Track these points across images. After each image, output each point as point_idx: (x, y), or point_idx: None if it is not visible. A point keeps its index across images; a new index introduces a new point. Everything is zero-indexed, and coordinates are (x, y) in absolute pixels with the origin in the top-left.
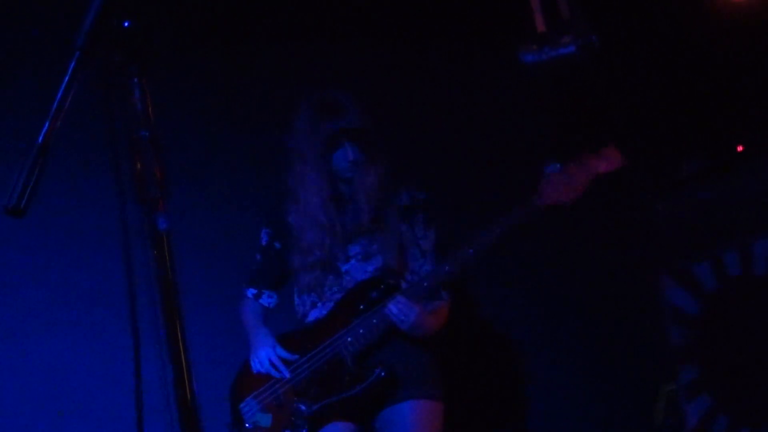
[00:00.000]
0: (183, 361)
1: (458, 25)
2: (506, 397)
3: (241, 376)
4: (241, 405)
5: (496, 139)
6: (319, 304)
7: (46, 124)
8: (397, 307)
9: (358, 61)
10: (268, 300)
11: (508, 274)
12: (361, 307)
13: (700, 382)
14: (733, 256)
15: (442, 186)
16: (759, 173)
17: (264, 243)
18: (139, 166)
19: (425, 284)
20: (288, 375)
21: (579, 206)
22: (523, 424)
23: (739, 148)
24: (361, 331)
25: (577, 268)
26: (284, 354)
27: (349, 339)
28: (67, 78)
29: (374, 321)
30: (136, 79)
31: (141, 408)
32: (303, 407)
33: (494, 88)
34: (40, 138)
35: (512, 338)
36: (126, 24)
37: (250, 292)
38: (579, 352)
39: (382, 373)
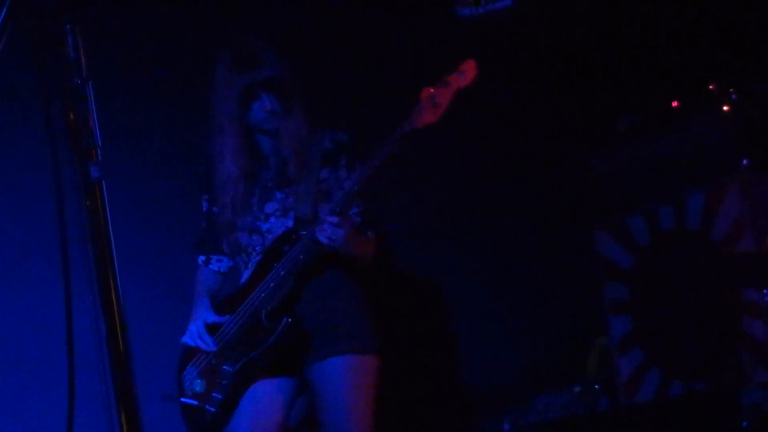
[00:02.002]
0: (116, 311)
1: None
2: (440, 350)
3: (186, 347)
4: (184, 374)
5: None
6: (249, 265)
7: None
8: (322, 232)
9: (287, 6)
10: (217, 264)
11: (446, 227)
12: (275, 263)
13: (632, 335)
14: (667, 210)
15: (365, 129)
16: (693, 129)
17: (204, 209)
18: (72, 114)
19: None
20: (214, 346)
21: (518, 161)
22: (457, 376)
23: (674, 104)
24: (272, 284)
25: (512, 222)
26: (215, 319)
27: (263, 295)
28: None
29: (282, 273)
30: (68, 26)
31: (73, 359)
32: (227, 368)
33: (428, 39)
34: None
35: (448, 292)
36: None
37: (200, 258)
38: (513, 305)
39: (289, 320)
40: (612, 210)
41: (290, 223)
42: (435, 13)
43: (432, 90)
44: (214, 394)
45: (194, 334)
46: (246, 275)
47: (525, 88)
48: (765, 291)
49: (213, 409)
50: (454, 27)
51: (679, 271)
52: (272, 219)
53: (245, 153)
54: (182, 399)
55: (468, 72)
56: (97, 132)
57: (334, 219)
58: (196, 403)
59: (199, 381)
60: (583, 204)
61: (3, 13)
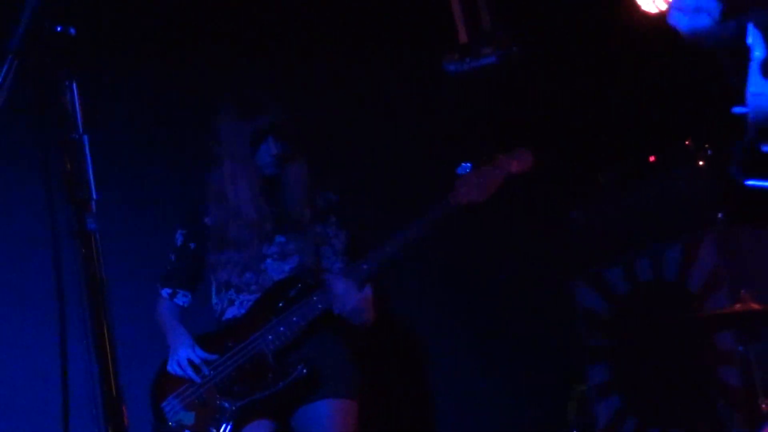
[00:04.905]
0: (108, 356)
1: (384, 33)
2: (422, 397)
3: (162, 375)
4: (163, 404)
5: (417, 141)
6: (236, 302)
7: None
8: (343, 287)
9: (283, 65)
10: (182, 299)
11: (428, 276)
12: (281, 305)
13: (610, 383)
14: (644, 262)
15: (365, 186)
16: (670, 183)
17: (179, 244)
18: (69, 167)
19: (351, 279)
20: (207, 376)
21: (498, 212)
22: (438, 422)
23: (652, 159)
24: (281, 329)
25: (494, 272)
26: (203, 354)
27: (270, 337)
28: None
29: (294, 319)
30: (67, 82)
31: (67, 402)
32: (227, 404)
33: (416, 95)
34: None
35: (429, 340)
36: (59, 28)
37: (165, 291)
38: (494, 352)
39: (304, 371)
40: (591, 261)
41: (286, 267)
42: (427, 68)
43: (483, 169)
44: (211, 429)
45: (183, 362)
46: (236, 312)
47: (508, 141)
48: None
49: None
50: (442, 82)
51: (656, 321)
52: (269, 260)
53: (249, 195)
54: (183, 431)
55: (522, 162)
56: (93, 184)
57: (353, 283)
58: None
59: (186, 413)
60: (564, 255)
61: (4, 69)
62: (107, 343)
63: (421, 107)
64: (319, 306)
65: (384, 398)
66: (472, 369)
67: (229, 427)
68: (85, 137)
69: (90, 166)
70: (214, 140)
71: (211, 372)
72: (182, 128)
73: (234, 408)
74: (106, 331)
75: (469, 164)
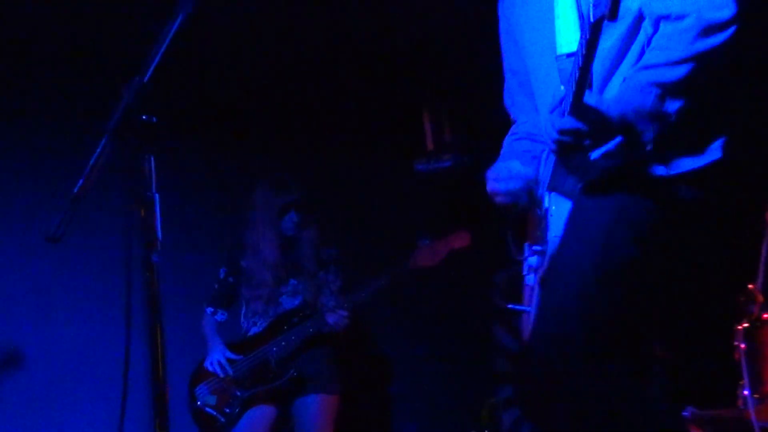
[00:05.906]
0: (159, 353)
1: (370, 141)
2: (384, 396)
3: (198, 369)
4: (196, 389)
5: (394, 218)
6: (259, 323)
7: (81, 181)
8: (333, 318)
9: (306, 158)
10: (221, 316)
11: (395, 316)
12: (285, 327)
13: (512, 398)
14: None
15: (357, 244)
16: None
17: (221, 276)
18: (143, 215)
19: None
20: (231, 372)
21: (443, 275)
22: (392, 414)
23: None
24: (283, 343)
25: (439, 320)
26: (230, 355)
27: (274, 349)
28: (98, 150)
29: (293, 337)
30: (147, 155)
31: (127, 380)
32: (238, 392)
33: (394, 185)
34: (75, 190)
35: (393, 365)
36: (144, 117)
37: (209, 310)
38: (433, 370)
39: (294, 373)
40: (506, 311)
41: (296, 302)
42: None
43: (435, 243)
44: (226, 409)
45: (215, 363)
46: (256, 330)
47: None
48: None
49: (223, 420)
50: (413, 181)
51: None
52: (284, 296)
53: (274, 250)
54: (206, 408)
55: (463, 240)
56: (159, 229)
57: (345, 313)
58: (213, 413)
59: (211, 396)
60: (489, 306)
61: (102, 143)
62: (158, 343)
63: (398, 194)
64: (311, 330)
65: (358, 396)
66: (418, 382)
67: (237, 410)
68: (157, 195)
69: (158, 216)
70: (252, 208)
71: (232, 369)
72: (226, 194)
73: (243, 396)
74: (158, 334)
75: (426, 239)
